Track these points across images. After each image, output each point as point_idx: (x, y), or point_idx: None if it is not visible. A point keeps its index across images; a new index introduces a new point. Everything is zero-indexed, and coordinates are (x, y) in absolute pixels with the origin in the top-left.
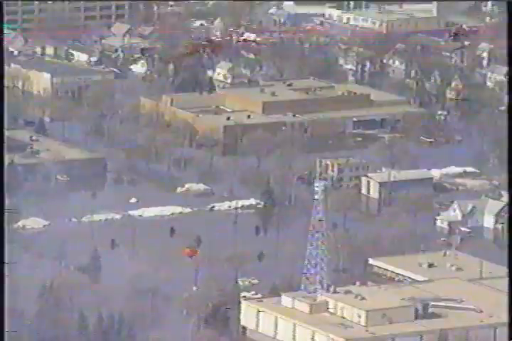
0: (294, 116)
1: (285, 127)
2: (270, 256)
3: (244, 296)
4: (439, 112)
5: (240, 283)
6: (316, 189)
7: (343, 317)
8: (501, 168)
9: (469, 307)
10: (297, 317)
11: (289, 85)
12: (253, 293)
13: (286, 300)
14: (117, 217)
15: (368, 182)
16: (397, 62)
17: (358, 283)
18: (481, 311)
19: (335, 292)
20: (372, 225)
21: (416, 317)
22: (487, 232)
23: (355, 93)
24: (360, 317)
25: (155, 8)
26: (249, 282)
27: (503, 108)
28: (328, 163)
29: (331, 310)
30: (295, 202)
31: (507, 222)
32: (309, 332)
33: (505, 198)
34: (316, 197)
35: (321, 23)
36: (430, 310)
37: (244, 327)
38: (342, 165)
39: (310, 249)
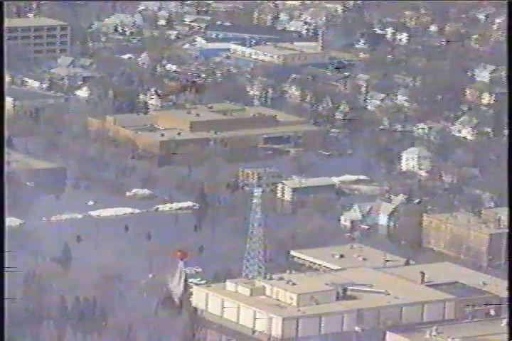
0: (215, 133)
1: (211, 142)
2: (209, 249)
3: (191, 282)
4: (332, 130)
5: (187, 271)
6: (255, 194)
7: (278, 300)
8: (389, 176)
9: (379, 290)
10: (240, 300)
11: (210, 108)
12: (199, 279)
13: (230, 285)
14: (79, 216)
15: (283, 188)
16: (293, 89)
17: (288, 271)
18: (389, 294)
19: (270, 278)
20: (289, 223)
21: (337, 299)
22: (382, 229)
23: (263, 114)
24: (292, 299)
25: (90, 44)
26: (195, 270)
27: (382, 127)
28: (249, 172)
29: (267, 294)
30: (224, 205)
31: (508, 230)
32: (251, 311)
33: (396, 201)
34: (254, 200)
35: (228, 57)
36: (348, 293)
37: (195, 308)
38: (261, 174)
39: (250, 243)
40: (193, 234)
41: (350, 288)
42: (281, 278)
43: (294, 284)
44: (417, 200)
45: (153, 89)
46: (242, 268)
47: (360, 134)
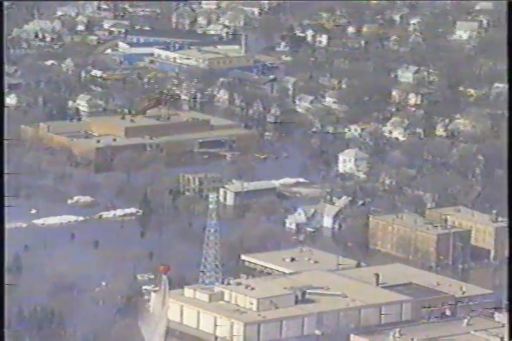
0: (151, 138)
1: (148, 147)
2: (158, 255)
3: (145, 289)
4: (266, 133)
5: (139, 278)
6: (211, 200)
7: (237, 305)
8: (327, 178)
9: (336, 293)
10: (199, 306)
11: (143, 114)
12: (153, 286)
13: (188, 291)
14: (24, 225)
15: (225, 193)
16: (222, 93)
17: (244, 275)
18: (346, 296)
19: (228, 284)
20: (235, 228)
21: (296, 303)
22: (327, 231)
23: (197, 119)
24: (252, 304)
25: (12, 50)
26: (147, 277)
27: (314, 129)
28: (190, 177)
29: (226, 299)
30: (168, 211)
31: (507, 230)
32: (212, 317)
33: (339, 203)
34: (210, 206)
35: (152, 62)
36: (307, 296)
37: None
38: (202, 179)
39: (206, 248)
40: (140, 240)
41: (309, 291)
42: (239, 283)
43: (252, 289)
44: (360, 202)
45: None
46: (195, 273)
47: (292, 137)
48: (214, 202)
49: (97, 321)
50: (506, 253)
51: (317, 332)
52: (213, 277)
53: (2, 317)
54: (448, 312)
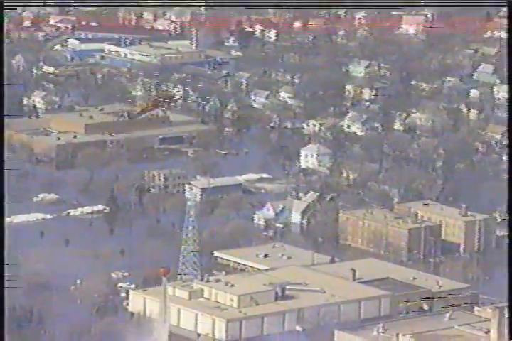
0: (111, 135)
1: (111, 145)
2: (129, 252)
3: (121, 286)
4: (226, 129)
5: (114, 275)
6: (188, 196)
7: (218, 302)
8: (290, 173)
9: (315, 289)
10: (179, 303)
11: (101, 110)
12: (128, 283)
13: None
14: None
15: (191, 188)
16: (176, 89)
17: (223, 272)
18: (324, 292)
19: (208, 281)
20: (204, 224)
21: (276, 299)
22: (295, 227)
23: (156, 115)
24: (232, 300)
25: None
26: (122, 274)
27: (272, 125)
28: (155, 173)
29: (206, 296)
30: (135, 207)
31: (508, 230)
32: (193, 314)
33: (307, 198)
34: (188, 203)
35: (103, 58)
36: (286, 292)
37: (132, 313)
38: (167, 175)
39: (185, 245)
40: (110, 238)
41: (288, 287)
42: (218, 280)
43: (232, 285)
44: (328, 197)
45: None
46: (171, 270)
47: (251, 132)
48: (192, 199)
49: (77, 320)
50: (476, 246)
51: (298, 328)
52: (192, 274)
53: (2, 317)
54: (425, 307)
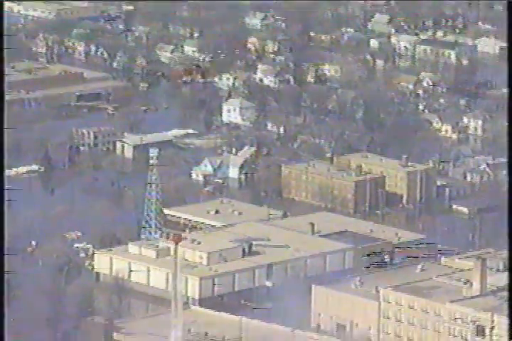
0: (27, 93)
1: (28, 103)
2: (76, 212)
3: (77, 246)
4: (141, 85)
5: (67, 236)
6: (151, 155)
7: (186, 260)
8: (216, 128)
9: (280, 244)
10: (148, 262)
11: (13, 67)
12: (85, 243)
13: (133, 248)
14: None
15: (123, 146)
16: (78, 44)
17: (187, 230)
18: (289, 247)
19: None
20: (141, 182)
21: (243, 255)
22: (233, 182)
23: (70, 72)
24: (202, 258)
25: None
26: (75, 235)
27: (184, 79)
28: (84, 131)
29: (173, 255)
30: (70, 166)
31: (507, 229)
32: (163, 273)
33: (243, 153)
34: (151, 161)
35: None
36: (253, 248)
37: (97, 273)
38: (96, 133)
39: (148, 204)
40: (52, 197)
41: (254, 243)
42: (184, 238)
43: (199, 243)
44: (265, 151)
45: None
46: (125, 230)
47: (164, 88)
48: (155, 157)
49: (44, 282)
50: (418, 197)
51: (268, 283)
52: (157, 232)
53: (2, 317)
54: (387, 259)
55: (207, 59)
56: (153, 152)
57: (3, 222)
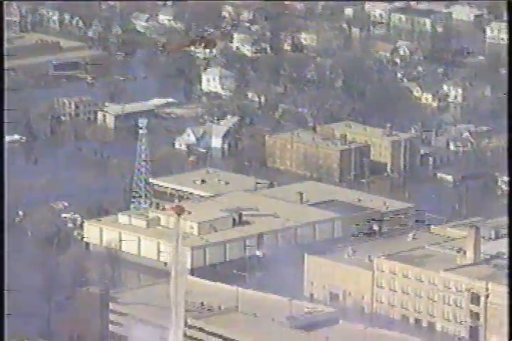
0: None
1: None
2: (60, 181)
3: (65, 217)
4: (118, 53)
5: (54, 206)
6: (140, 125)
7: None
8: (196, 98)
9: (269, 214)
10: (138, 232)
11: None
12: (72, 213)
13: (122, 218)
14: None
15: (104, 116)
16: (53, 13)
17: (176, 200)
18: (278, 216)
19: (163, 209)
20: (125, 151)
21: (234, 225)
22: (216, 151)
23: (47, 41)
24: (192, 228)
25: None
26: (62, 205)
27: (161, 48)
28: (65, 101)
29: (163, 224)
30: (52, 136)
31: (508, 227)
32: (154, 243)
33: (227, 122)
34: (140, 131)
35: None
36: (243, 218)
37: (87, 244)
38: (77, 103)
39: (137, 174)
40: (35, 167)
41: (244, 213)
42: (188, 212)
43: (189, 213)
44: (248, 121)
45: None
46: (112, 199)
47: (141, 57)
48: (144, 127)
49: (35, 252)
50: (402, 166)
51: (258, 253)
52: (147, 203)
53: (2, 316)
54: (375, 228)
55: (181, 27)
56: (143, 122)
57: (4, 220)
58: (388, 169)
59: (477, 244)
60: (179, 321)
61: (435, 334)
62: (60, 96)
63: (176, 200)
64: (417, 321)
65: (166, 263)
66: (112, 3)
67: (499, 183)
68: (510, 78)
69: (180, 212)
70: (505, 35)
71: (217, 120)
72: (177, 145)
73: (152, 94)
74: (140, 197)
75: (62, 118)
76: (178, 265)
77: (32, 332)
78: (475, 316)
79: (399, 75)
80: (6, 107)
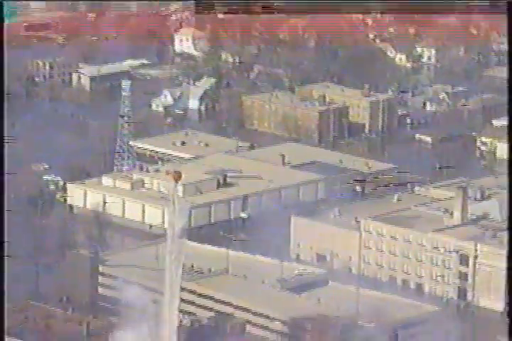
0: None
1: None
2: (38, 143)
3: (46, 179)
4: (89, 14)
5: (34, 168)
6: (124, 86)
7: (161, 191)
8: (168, 58)
9: (253, 175)
10: (122, 194)
11: None
12: (53, 175)
13: (106, 180)
14: None
15: (79, 77)
16: None
17: (160, 163)
18: (261, 178)
19: (147, 171)
20: (101, 113)
21: (218, 187)
22: (193, 113)
23: (15, 2)
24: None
25: None
26: (42, 167)
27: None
28: (40, 62)
29: (147, 186)
30: (27, 97)
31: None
32: (139, 205)
33: (203, 84)
34: (123, 93)
35: None
36: (227, 180)
37: (71, 206)
38: (52, 64)
39: (120, 136)
40: (13, 130)
41: (228, 175)
42: (157, 170)
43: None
44: (225, 82)
45: None
46: (87, 162)
47: (110, 16)
48: (127, 89)
49: (21, 215)
50: (380, 126)
51: (243, 214)
52: (131, 165)
53: (2, 316)
54: (358, 189)
55: None
56: (126, 83)
57: (3, 220)
58: (366, 130)
59: (464, 204)
60: (175, 286)
61: (423, 295)
62: (32, 57)
63: (159, 163)
64: (405, 282)
65: (151, 226)
66: None
67: (478, 144)
68: (510, 78)
69: (177, 178)
70: None
71: (194, 81)
72: (154, 107)
73: (124, 55)
74: (123, 159)
75: (37, 79)
76: (174, 229)
77: (22, 295)
78: (463, 277)
79: (371, 36)
80: None
